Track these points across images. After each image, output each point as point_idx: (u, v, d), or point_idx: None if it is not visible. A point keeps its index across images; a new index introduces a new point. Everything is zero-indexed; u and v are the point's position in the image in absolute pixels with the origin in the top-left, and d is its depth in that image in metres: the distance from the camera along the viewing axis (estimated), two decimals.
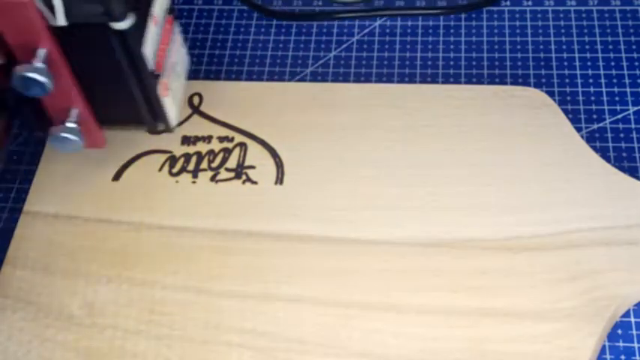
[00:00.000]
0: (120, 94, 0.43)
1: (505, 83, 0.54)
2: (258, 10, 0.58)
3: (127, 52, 0.41)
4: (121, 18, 0.39)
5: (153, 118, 0.45)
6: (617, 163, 0.49)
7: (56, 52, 0.39)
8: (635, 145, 0.50)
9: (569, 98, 0.53)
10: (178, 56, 0.46)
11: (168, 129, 0.46)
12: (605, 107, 0.52)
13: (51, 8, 0.38)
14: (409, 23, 0.58)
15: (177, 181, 0.50)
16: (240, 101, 0.53)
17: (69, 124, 0.43)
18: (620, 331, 0.44)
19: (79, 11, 0.39)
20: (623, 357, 0.43)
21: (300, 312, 0.44)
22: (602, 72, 0.54)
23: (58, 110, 0.43)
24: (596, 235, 0.45)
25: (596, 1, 0.58)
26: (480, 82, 0.54)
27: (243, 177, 0.50)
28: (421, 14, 0.57)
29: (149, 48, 0.41)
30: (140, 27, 0.41)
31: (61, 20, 0.38)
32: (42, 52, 0.39)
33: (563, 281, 0.44)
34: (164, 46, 0.43)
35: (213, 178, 0.50)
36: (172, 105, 0.45)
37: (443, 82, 0.54)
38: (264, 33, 0.58)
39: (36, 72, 0.38)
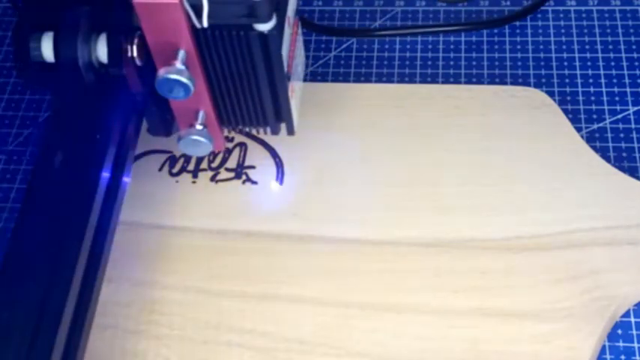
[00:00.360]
0: (249, 95, 0.43)
1: (505, 83, 0.54)
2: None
3: (266, 54, 0.40)
4: (266, 19, 0.38)
5: (277, 119, 0.44)
6: (617, 163, 0.49)
7: (194, 54, 0.39)
8: (635, 145, 0.50)
9: (569, 98, 0.53)
10: (300, 58, 0.45)
11: (291, 131, 0.45)
12: (605, 107, 0.52)
13: (197, 10, 0.38)
14: (409, 23, 0.58)
15: (177, 181, 0.50)
16: None
17: (198, 127, 0.42)
18: (620, 331, 0.44)
19: (223, 12, 0.38)
20: (623, 357, 0.43)
21: (300, 312, 0.44)
22: (602, 72, 0.54)
23: (186, 112, 0.42)
24: (596, 235, 0.45)
25: (596, 1, 0.58)
26: (480, 82, 0.54)
27: (243, 177, 0.50)
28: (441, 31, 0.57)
29: (285, 50, 0.41)
30: (279, 29, 0.39)
31: (205, 22, 0.38)
32: (182, 53, 0.39)
33: (563, 281, 0.44)
34: (293, 48, 0.43)
35: (213, 178, 0.50)
36: (296, 106, 0.45)
37: (443, 82, 0.54)
38: None
39: (179, 74, 0.38)
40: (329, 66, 0.56)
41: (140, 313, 0.45)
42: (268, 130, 0.45)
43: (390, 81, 0.55)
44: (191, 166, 0.51)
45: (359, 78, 0.55)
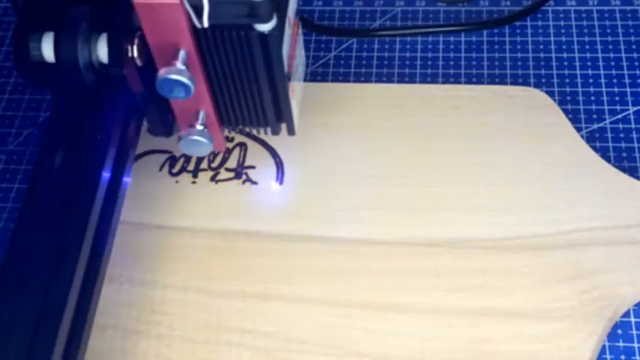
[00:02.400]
0: (249, 96, 0.43)
1: (505, 83, 0.54)
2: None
3: (267, 54, 0.40)
4: (267, 19, 0.38)
5: (278, 119, 0.45)
6: (617, 163, 0.49)
7: (194, 54, 0.39)
8: (635, 145, 0.50)
9: (569, 98, 0.53)
10: (300, 58, 0.46)
11: (291, 131, 0.45)
12: (605, 107, 0.52)
13: (198, 10, 0.38)
14: (409, 23, 0.58)
15: (177, 181, 0.50)
16: None
17: (199, 127, 0.42)
18: (620, 331, 0.44)
19: (224, 13, 0.38)
20: (623, 357, 0.43)
21: (300, 312, 0.44)
22: (602, 72, 0.54)
23: (187, 113, 0.42)
24: (596, 235, 0.45)
25: (596, 1, 0.58)
26: (479, 82, 0.54)
27: (243, 177, 0.50)
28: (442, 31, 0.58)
29: (285, 50, 0.41)
30: (280, 29, 0.40)
31: (206, 22, 0.38)
32: (182, 53, 0.39)
33: (563, 281, 0.44)
34: (293, 48, 0.43)
35: (213, 178, 0.50)
36: (296, 107, 0.45)
37: (443, 82, 0.54)
38: None
39: (180, 74, 0.38)
40: (329, 66, 0.56)
41: (140, 313, 0.45)
42: (269, 130, 0.45)
43: (390, 81, 0.55)
44: (191, 166, 0.51)
45: (359, 78, 0.55)
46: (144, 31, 0.38)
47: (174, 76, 0.38)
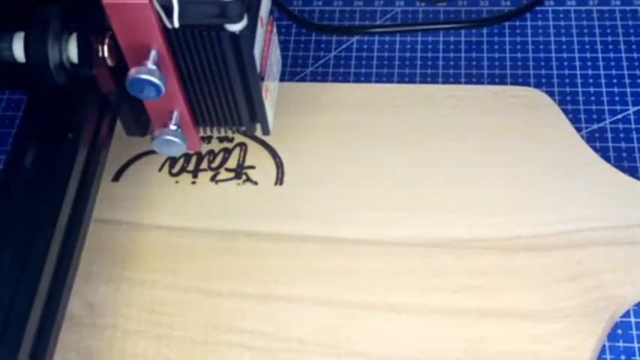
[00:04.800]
0: (222, 96, 0.43)
1: (505, 83, 0.54)
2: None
3: (238, 55, 0.40)
4: (237, 20, 0.38)
5: (252, 119, 0.45)
6: (617, 163, 0.49)
7: (166, 54, 0.39)
8: (635, 145, 0.50)
9: (569, 98, 0.53)
10: (275, 58, 0.46)
11: (266, 131, 0.45)
12: (605, 107, 0.52)
13: (168, 10, 0.38)
14: (409, 23, 0.58)
15: (177, 181, 0.50)
16: None
17: (172, 127, 0.42)
18: (620, 331, 0.44)
19: (194, 13, 0.38)
20: (623, 357, 0.43)
21: (300, 312, 0.44)
22: (602, 72, 0.54)
23: (160, 112, 0.43)
24: (596, 235, 0.45)
25: (596, 1, 0.58)
26: (479, 82, 0.54)
27: (243, 177, 0.50)
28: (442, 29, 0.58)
29: (257, 50, 0.41)
30: (251, 29, 0.40)
31: (176, 22, 0.38)
32: (153, 53, 0.39)
33: (563, 281, 0.44)
34: (267, 48, 0.43)
35: (213, 178, 0.50)
36: (270, 107, 0.45)
37: (443, 82, 0.54)
38: None
39: (150, 74, 0.38)
40: (329, 66, 0.56)
41: (140, 313, 0.45)
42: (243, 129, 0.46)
43: (390, 81, 0.55)
44: (191, 167, 0.51)
45: (359, 78, 0.55)
46: (114, 31, 0.39)
47: (144, 76, 0.38)
